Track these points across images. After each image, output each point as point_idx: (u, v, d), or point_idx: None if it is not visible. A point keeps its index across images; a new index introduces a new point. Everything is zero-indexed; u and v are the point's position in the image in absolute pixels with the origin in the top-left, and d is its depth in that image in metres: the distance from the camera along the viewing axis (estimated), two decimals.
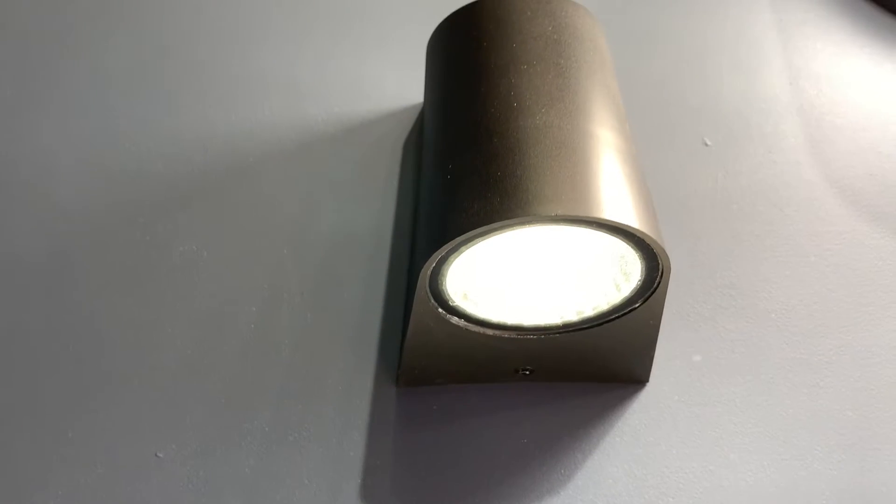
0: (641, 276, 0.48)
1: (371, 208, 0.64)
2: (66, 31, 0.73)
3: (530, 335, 0.52)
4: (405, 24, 0.75)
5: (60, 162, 0.66)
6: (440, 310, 0.50)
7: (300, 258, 0.62)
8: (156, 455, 0.53)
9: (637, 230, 0.44)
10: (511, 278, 0.51)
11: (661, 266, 0.47)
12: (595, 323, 0.52)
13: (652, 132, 0.69)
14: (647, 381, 0.57)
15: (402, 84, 0.70)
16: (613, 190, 0.45)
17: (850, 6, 0.78)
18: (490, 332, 0.52)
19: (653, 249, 0.46)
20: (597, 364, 0.56)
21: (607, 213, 0.44)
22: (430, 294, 0.48)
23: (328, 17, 0.75)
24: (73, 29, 0.73)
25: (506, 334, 0.52)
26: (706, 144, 0.69)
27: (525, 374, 0.56)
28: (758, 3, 0.79)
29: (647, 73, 0.73)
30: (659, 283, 0.48)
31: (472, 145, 0.48)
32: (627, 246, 0.46)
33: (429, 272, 0.47)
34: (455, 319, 0.51)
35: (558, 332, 0.52)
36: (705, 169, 0.68)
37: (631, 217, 0.44)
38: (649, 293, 0.49)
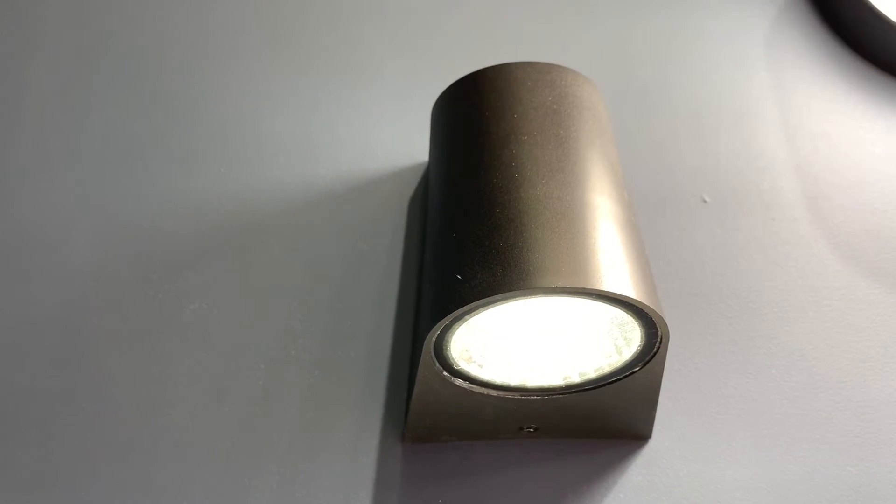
0: (641, 341, 0.49)
1: (377, 265, 0.65)
2: (80, 92, 0.74)
3: (534, 396, 0.53)
4: (411, 85, 0.76)
5: (73, 219, 0.67)
6: (445, 373, 0.51)
7: (308, 315, 0.62)
8: None
9: (635, 300, 0.45)
10: (514, 342, 0.52)
11: (659, 333, 0.48)
12: (598, 384, 0.52)
13: (651, 190, 0.70)
14: (650, 437, 0.58)
15: (408, 143, 0.72)
16: (612, 260, 0.47)
17: (846, 65, 0.79)
18: (494, 393, 0.53)
19: (651, 318, 0.47)
20: (600, 421, 0.56)
21: (606, 284, 0.45)
22: (434, 359, 0.50)
23: (336, 79, 0.76)
24: (88, 89, 0.75)
25: (510, 395, 0.53)
26: (704, 201, 0.70)
27: (529, 431, 0.57)
28: (754, 62, 0.80)
29: (646, 132, 0.74)
30: (658, 348, 0.49)
31: (476, 215, 0.49)
32: (626, 314, 0.47)
33: (433, 339, 0.48)
34: (460, 382, 0.52)
35: (562, 393, 0.53)
36: (704, 225, 0.68)
37: (628, 288, 0.46)
38: (649, 358, 0.50)
